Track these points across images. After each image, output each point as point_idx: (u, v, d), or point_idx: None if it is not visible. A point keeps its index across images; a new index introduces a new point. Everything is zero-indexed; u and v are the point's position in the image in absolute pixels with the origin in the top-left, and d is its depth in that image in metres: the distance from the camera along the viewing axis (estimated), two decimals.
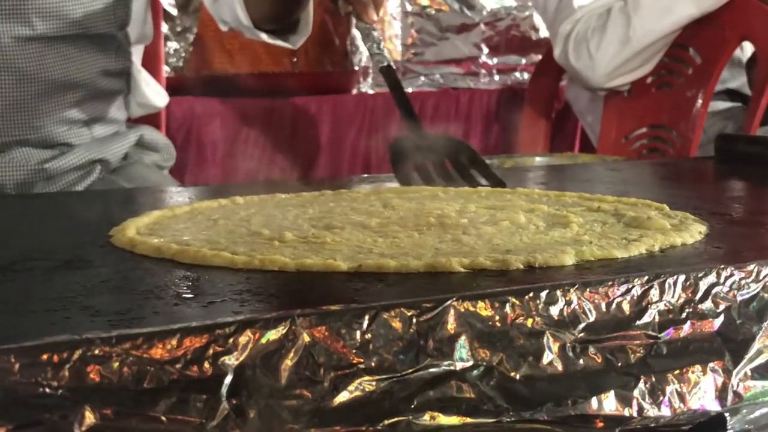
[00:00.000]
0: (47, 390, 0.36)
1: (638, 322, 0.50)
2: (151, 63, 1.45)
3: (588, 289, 0.49)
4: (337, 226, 0.67)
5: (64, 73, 1.10)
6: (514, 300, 0.47)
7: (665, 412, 0.48)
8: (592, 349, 0.48)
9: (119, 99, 1.22)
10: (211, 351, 0.40)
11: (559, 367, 0.47)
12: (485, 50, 2.53)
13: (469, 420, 0.44)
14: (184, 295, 0.50)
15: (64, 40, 1.09)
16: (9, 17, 1.04)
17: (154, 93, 1.30)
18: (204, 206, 0.78)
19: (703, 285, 0.52)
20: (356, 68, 2.31)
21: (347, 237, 0.63)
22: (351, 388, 0.42)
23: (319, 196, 0.84)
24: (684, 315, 0.51)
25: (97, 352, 0.38)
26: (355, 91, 2.33)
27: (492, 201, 0.79)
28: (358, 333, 0.43)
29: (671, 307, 0.51)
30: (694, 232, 0.64)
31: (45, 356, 0.37)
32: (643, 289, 0.50)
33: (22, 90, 1.07)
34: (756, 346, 0.52)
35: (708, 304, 0.52)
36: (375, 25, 1.09)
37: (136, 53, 1.30)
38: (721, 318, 0.52)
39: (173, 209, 0.76)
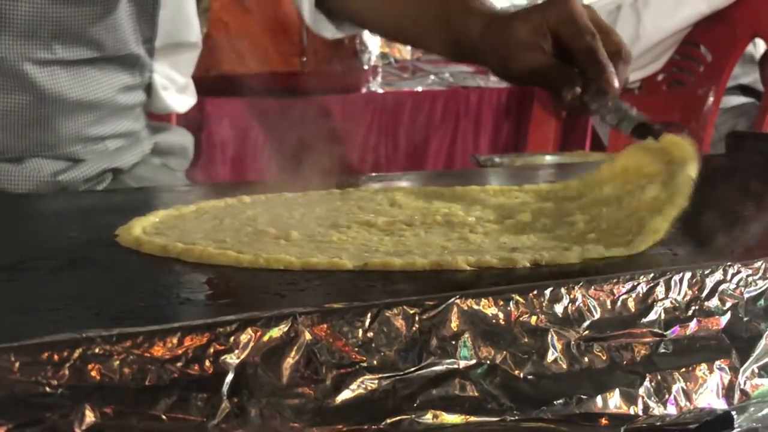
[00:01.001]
0: (47, 389, 0.36)
1: (644, 320, 0.49)
2: None
3: (593, 287, 0.49)
4: (344, 224, 0.67)
5: (84, 94, 1.06)
6: (517, 297, 0.46)
7: (671, 410, 0.48)
8: (596, 347, 0.48)
9: (138, 110, 1.19)
10: (212, 349, 0.40)
11: (564, 365, 0.46)
12: None
13: (472, 419, 0.44)
14: (189, 294, 0.50)
15: (84, 62, 1.05)
16: (27, 41, 0.99)
17: (175, 100, 1.27)
18: (210, 205, 0.78)
19: (709, 282, 0.52)
20: (365, 67, 2.30)
21: (353, 236, 0.63)
22: (353, 386, 0.42)
23: (327, 194, 0.84)
24: (690, 312, 0.51)
25: (97, 350, 0.37)
26: (364, 90, 2.33)
27: (499, 200, 0.78)
28: (360, 331, 0.43)
29: (677, 305, 0.50)
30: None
31: (45, 355, 0.37)
32: (648, 286, 0.50)
33: (39, 110, 1.02)
34: (763, 343, 0.52)
35: (714, 302, 0.52)
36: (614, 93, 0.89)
37: (188, 63, 1.26)
38: (728, 315, 0.52)
39: (179, 208, 0.75)
